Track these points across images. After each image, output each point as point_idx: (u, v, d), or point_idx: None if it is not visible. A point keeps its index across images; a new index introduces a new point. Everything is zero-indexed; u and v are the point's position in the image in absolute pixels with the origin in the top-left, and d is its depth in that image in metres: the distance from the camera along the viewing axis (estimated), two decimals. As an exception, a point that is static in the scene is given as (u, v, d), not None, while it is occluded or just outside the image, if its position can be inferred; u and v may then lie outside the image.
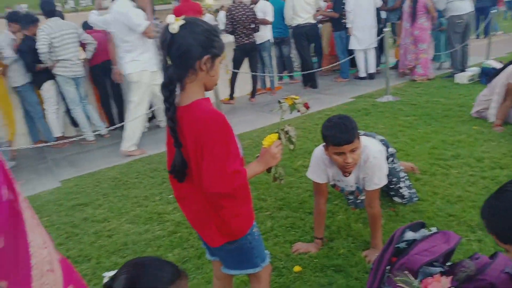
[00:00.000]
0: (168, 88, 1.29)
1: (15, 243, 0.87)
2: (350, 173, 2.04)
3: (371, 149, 2.06)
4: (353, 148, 1.89)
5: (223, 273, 1.53)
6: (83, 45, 4.95)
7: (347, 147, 1.87)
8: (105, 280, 1.02)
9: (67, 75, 4.72)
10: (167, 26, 1.24)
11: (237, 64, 5.93)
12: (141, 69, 4.12)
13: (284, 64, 7.41)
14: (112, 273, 1.03)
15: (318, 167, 2.17)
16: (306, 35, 6.46)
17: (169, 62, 1.29)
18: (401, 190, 2.55)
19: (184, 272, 1.08)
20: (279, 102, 1.55)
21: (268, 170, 1.50)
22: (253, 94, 6.32)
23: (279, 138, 1.48)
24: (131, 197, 3.29)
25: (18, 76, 4.76)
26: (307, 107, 1.57)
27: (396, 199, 2.61)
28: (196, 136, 1.26)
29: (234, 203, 1.32)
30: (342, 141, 1.86)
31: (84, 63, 5.03)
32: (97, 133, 4.99)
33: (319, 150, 2.15)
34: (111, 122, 5.54)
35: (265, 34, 6.12)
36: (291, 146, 1.52)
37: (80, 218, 3.04)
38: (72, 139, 4.34)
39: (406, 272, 1.46)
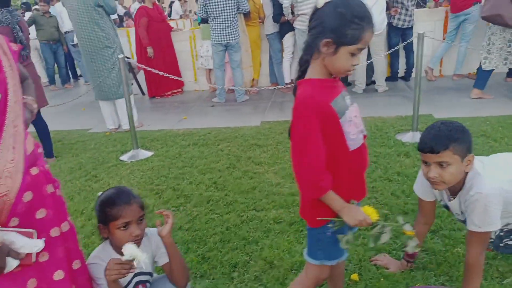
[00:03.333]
0: (302, 61, 1.29)
1: None
2: (438, 189, 1.59)
3: (482, 181, 1.48)
4: (441, 162, 1.44)
5: None
6: None
7: (432, 157, 1.45)
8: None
9: (303, 29, 5.20)
10: None
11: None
12: None
13: None
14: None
15: (424, 181, 1.75)
16: None
17: None
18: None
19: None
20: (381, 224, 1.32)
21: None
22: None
23: (375, 225, 1.31)
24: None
25: (269, 26, 5.65)
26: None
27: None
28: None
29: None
30: (426, 147, 1.46)
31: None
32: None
33: None
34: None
35: None
36: (371, 244, 1.35)
37: (238, 158, 3.53)
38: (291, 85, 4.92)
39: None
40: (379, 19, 4.79)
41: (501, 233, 1.94)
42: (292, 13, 5.16)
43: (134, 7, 10.64)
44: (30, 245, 1.14)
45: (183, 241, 2.36)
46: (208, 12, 5.19)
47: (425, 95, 5.02)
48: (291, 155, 1.30)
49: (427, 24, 5.67)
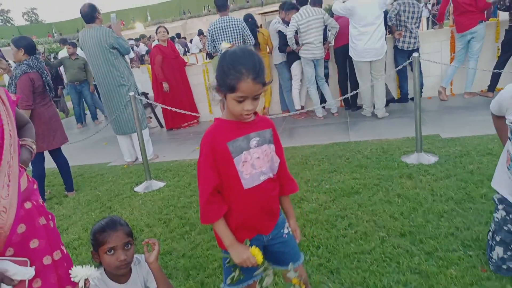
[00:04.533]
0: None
1: None
2: None
3: None
4: None
5: None
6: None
7: None
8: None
9: (308, 57, 5.37)
10: None
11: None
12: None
13: None
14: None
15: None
16: None
17: None
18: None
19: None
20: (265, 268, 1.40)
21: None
22: None
23: (260, 265, 1.38)
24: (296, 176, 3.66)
25: (277, 55, 5.86)
26: None
27: None
28: None
29: None
30: None
31: (326, 45, 5.52)
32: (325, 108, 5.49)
33: None
34: (345, 102, 5.90)
35: None
36: (258, 286, 1.41)
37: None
38: (301, 111, 5.05)
39: None
40: (378, 45, 4.90)
41: (505, 255, 1.94)
42: (297, 43, 5.35)
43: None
44: (23, 272, 1.29)
45: (184, 268, 2.47)
46: (216, 47, 5.47)
47: (434, 115, 5.01)
48: None
49: (433, 45, 5.72)
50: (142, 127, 4.36)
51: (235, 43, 5.27)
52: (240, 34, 5.30)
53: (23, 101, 3.56)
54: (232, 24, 5.29)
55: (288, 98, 6.02)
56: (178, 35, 13.31)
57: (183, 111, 4.78)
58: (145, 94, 6.58)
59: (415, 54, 3.48)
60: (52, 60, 13.10)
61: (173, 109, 4.69)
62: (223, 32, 5.32)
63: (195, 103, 6.73)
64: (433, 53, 5.71)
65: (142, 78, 8.34)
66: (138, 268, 1.72)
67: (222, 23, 5.33)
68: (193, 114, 5.07)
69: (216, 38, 5.39)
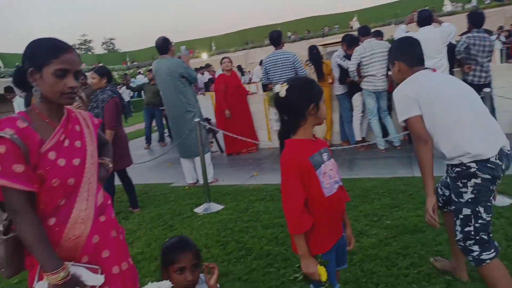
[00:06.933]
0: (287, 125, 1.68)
1: None
2: None
3: None
4: None
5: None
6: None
7: None
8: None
9: (369, 89, 5.33)
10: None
11: None
12: None
13: None
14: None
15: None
16: None
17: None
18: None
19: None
20: None
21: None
22: None
23: (323, 282, 1.57)
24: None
25: (339, 86, 5.89)
26: None
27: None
28: None
29: None
30: None
31: (390, 77, 5.44)
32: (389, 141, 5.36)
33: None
34: (409, 135, 5.69)
35: None
36: None
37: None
38: (362, 144, 4.98)
39: None
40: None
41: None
42: (360, 75, 5.35)
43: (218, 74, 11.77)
44: (94, 279, 1.42)
45: (240, 292, 2.51)
46: (270, 79, 5.68)
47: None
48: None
49: (507, 80, 5.41)
50: (205, 151, 4.56)
51: (287, 76, 5.42)
52: (291, 67, 5.48)
53: (111, 123, 3.95)
54: (284, 57, 5.51)
55: (348, 129, 5.97)
56: (239, 67, 13.91)
57: (243, 138, 4.94)
58: (207, 120, 6.90)
59: (486, 89, 3.33)
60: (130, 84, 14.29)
61: (234, 135, 4.87)
62: (275, 65, 5.56)
63: (255, 130, 6.91)
64: (507, 87, 5.38)
65: (206, 104, 8.76)
66: None
67: (275, 56, 5.58)
68: (253, 141, 5.21)
69: (269, 71, 5.64)
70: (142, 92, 9.03)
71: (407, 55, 2.09)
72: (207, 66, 12.82)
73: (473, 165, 1.84)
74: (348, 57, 5.55)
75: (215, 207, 4.17)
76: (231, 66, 6.72)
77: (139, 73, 25.66)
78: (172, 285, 1.62)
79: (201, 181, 4.96)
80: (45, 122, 1.39)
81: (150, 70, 8.58)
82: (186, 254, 1.72)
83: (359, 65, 5.29)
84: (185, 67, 4.80)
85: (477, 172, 1.84)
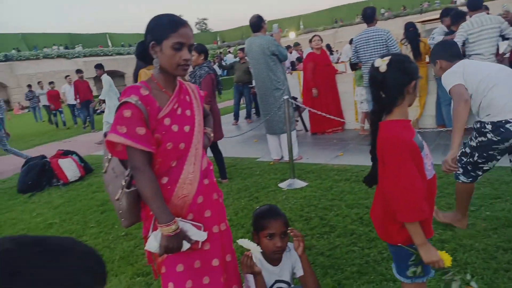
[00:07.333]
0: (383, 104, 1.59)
1: None
2: None
3: None
4: None
5: None
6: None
7: None
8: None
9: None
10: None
11: None
12: None
13: None
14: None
15: None
16: None
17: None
18: None
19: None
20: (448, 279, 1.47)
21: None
22: None
23: (445, 271, 1.49)
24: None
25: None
26: None
27: None
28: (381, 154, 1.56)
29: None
30: None
31: (499, 57, 4.87)
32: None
33: None
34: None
35: None
36: None
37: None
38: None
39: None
40: None
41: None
42: (464, 54, 4.87)
43: (306, 52, 11.65)
44: (198, 235, 1.58)
45: (322, 265, 2.57)
46: (359, 57, 5.45)
47: None
48: (385, 184, 1.54)
49: None
50: (291, 129, 4.63)
51: (378, 54, 5.14)
52: (384, 45, 5.19)
53: (207, 97, 4.22)
54: (376, 35, 5.23)
55: (446, 112, 5.52)
56: (328, 46, 13.55)
57: (330, 116, 4.87)
58: (294, 98, 6.93)
59: None
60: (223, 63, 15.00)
61: (321, 113, 4.83)
62: (366, 43, 5.32)
63: (342, 110, 6.76)
64: None
65: (292, 83, 8.78)
66: (289, 255, 1.90)
67: (366, 33, 5.33)
68: (340, 119, 5.11)
69: (360, 49, 5.42)
70: (232, 70, 9.44)
71: (446, 54, 2.56)
72: (296, 45, 12.74)
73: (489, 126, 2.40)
74: (450, 34, 5.08)
75: (299, 183, 4.25)
76: (321, 45, 6.61)
77: (229, 52, 26.52)
78: (261, 250, 1.74)
79: (286, 158, 5.07)
80: (162, 91, 1.57)
81: (241, 49, 8.85)
82: (276, 221, 1.82)
83: (464, 43, 4.81)
84: (277, 45, 4.86)
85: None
